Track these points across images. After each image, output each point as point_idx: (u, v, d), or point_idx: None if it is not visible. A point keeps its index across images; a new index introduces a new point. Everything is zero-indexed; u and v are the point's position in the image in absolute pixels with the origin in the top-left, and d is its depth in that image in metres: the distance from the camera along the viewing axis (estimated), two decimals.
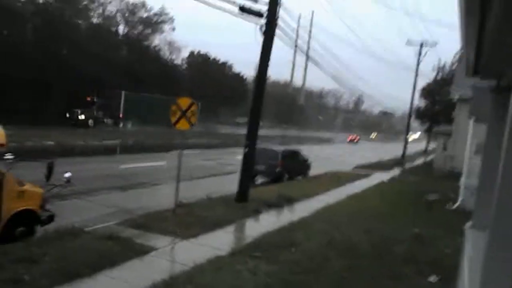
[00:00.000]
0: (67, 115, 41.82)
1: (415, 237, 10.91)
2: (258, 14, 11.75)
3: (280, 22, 12.41)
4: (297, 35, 26.56)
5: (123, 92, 46.36)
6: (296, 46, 22.27)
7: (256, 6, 11.92)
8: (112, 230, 9.07)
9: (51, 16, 42.86)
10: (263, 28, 12.10)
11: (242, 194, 13.07)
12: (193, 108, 10.96)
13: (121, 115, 46.92)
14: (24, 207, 8.52)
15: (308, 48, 39.75)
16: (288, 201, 14.64)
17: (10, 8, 37.98)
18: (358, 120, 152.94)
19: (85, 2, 52.77)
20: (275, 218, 12.32)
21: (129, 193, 14.95)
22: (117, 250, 7.96)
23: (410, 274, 8.21)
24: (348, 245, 9.63)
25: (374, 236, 10.70)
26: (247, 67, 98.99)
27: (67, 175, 9.40)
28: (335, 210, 14.08)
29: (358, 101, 54.80)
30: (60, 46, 43.42)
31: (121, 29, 57.65)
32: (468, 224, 5.87)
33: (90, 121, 42.89)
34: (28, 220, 8.67)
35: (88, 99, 44.09)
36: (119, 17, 57.01)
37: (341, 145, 68.80)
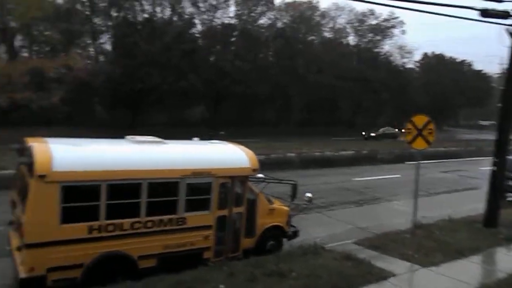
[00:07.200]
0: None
1: None
2: (504, 16, 10.28)
3: None
4: None
5: None
6: None
7: (500, 7, 10.47)
8: (350, 250, 9.37)
9: (288, 37, 47.34)
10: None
11: (490, 218, 11.64)
12: (430, 126, 10.39)
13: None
14: (273, 223, 9.65)
15: None
16: None
17: (256, 36, 43.72)
18: None
19: (317, 19, 56.25)
20: None
21: (363, 208, 15.14)
22: (355, 272, 8.19)
23: None
24: None
25: None
26: (489, 62, 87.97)
27: (309, 195, 10.17)
28: None
29: None
30: (296, 63, 47.43)
31: (351, 39, 59.06)
32: None
33: None
34: (276, 235, 9.78)
35: None
36: (348, 28, 58.52)
37: None
